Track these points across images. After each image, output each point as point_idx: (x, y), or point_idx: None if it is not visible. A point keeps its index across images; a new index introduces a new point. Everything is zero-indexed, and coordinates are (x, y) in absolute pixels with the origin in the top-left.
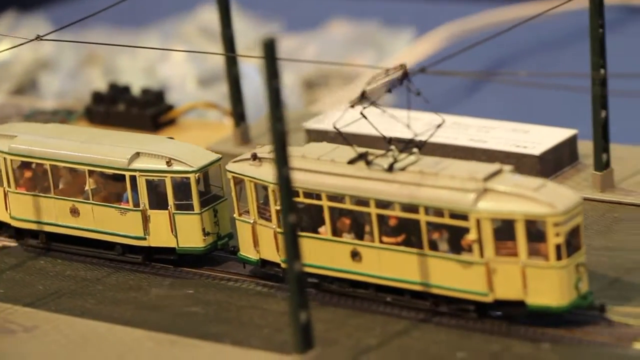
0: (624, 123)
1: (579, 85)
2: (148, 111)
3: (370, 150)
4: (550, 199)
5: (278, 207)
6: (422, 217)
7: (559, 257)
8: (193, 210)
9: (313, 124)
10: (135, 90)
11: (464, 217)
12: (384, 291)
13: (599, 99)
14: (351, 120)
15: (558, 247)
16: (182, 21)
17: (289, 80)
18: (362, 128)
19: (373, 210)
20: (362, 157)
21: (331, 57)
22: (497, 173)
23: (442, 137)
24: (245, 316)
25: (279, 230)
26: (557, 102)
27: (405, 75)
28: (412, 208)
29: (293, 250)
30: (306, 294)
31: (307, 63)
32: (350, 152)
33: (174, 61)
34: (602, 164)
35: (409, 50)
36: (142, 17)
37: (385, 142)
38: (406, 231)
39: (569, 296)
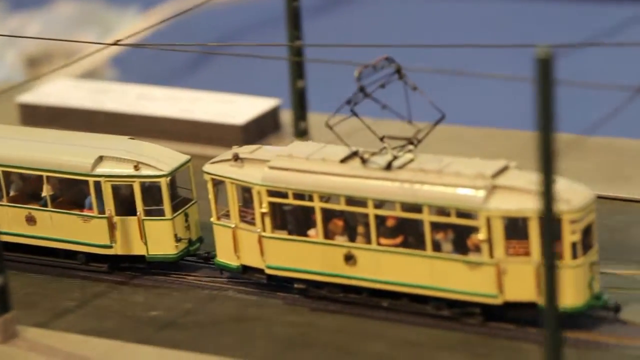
0: (324, 93)
1: (281, 57)
2: None
3: (362, 149)
4: (565, 195)
5: (264, 210)
6: (426, 217)
7: (574, 256)
8: (164, 216)
9: (25, 98)
10: None
11: (473, 216)
12: (379, 295)
13: (296, 69)
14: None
15: (574, 245)
16: None
17: (11, 56)
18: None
19: (371, 211)
20: (356, 155)
21: (54, 34)
22: (504, 169)
23: (152, 109)
24: None
25: (264, 234)
26: (269, 74)
27: (398, 70)
28: (415, 207)
29: None
30: (3, 258)
31: (33, 41)
32: (339, 150)
33: None
34: (301, 131)
35: (131, 26)
36: None
37: (378, 139)
38: (404, 232)
39: (584, 296)
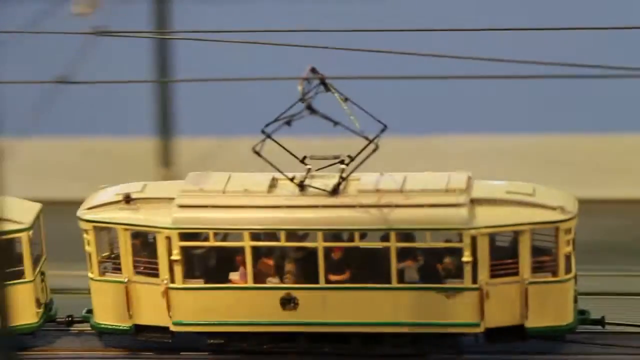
0: None
1: None
2: None
3: (276, 175)
4: (556, 202)
5: (176, 257)
6: (393, 244)
7: (568, 270)
8: (24, 278)
9: None
10: None
11: (453, 236)
12: (319, 340)
13: None
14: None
15: (568, 258)
16: None
17: None
18: None
19: (320, 244)
20: (279, 181)
21: None
22: (469, 180)
23: None
24: None
25: (172, 285)
26: None
27: (324, 82)
28: (382, 235)
29: None
30: None
31: None
32: (257, 178)
33: None
34: None
35: None
36: None
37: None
38: (351, 265)
39: (573, 313)
